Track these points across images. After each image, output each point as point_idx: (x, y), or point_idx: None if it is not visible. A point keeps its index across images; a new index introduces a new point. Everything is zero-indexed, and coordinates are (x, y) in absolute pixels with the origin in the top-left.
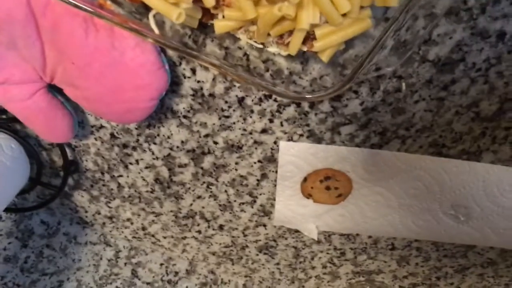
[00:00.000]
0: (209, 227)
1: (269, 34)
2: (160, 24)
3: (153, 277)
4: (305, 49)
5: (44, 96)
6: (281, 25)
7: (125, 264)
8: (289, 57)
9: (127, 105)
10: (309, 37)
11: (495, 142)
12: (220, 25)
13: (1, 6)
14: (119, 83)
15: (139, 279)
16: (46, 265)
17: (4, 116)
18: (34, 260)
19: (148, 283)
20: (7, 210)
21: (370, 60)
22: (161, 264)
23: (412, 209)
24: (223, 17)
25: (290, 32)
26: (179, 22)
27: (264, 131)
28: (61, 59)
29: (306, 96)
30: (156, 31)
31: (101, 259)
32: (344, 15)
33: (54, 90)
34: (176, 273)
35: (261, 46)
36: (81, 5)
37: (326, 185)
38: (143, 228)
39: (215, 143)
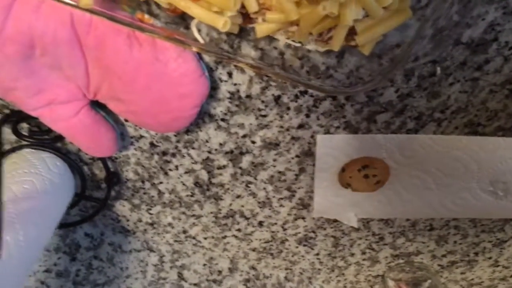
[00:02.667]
0: (248, 224)
1: (309, 33)
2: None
3: (199, 277)
4: (344, 43)
5: (88, 112)
6: (323, 23)
7: (171, 267)
8: (324, 52)
9: (172, 115)
10: (348, 31)
11: None
12: (262, 29)
13: (47, 28)
14: (164, 94)
15: (186, 281)
16: (96, 276)
17: (47, 137)
18: (85, 272)
19: (195, 284)
20: None
21: (410, 51)
22: (204, 265)
23: (450, 189)
24: (263, 20)
25: (329, 29)
26: (225, 30)
27: (301, 126)
28: (106, 76)
29: (348, 90)
30: (201, 40)
31: (147, 265)
32: (384, 7)
33: (95, 105)
34: (220, 272)
35: (299, 44)
36: (128, 22)
37: (364, 173)
38: (184, 231)
39: (253, 142)
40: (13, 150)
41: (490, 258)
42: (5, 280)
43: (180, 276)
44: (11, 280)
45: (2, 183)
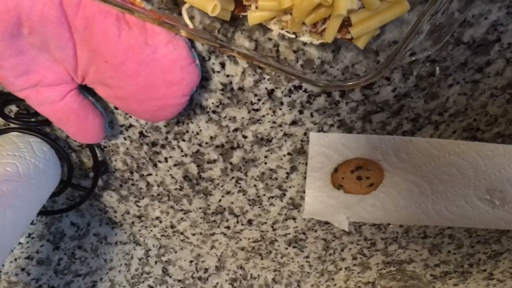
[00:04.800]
0: (238, 222)
1: (303, 23)
2: (190, 18)
3: (184, 274)
4: (339, 36)
5: (76, 97)
6: (316, 13)
7: (156, 262)
8: (320, 46)
9: (160, 102)
10: (343, 24)
11: None
12: (254, 16)
13: (35, 7)
14: (152, 80)
15: (170, 277)
16: (79, 266)
17: (34, 120)
18: (67, 261)
19: (179, 281)
20: (38, 213)
21: (406, 46)
22: (191, 261)
23: (446, 195)
24: (256, 8)
25: (324, 20)
26: (214, 14)
27: (294, 123)
28: (94, 59)
29: (342, 84)
30: (190, 25)
31: (132, 258)
32: None
33: (84, 90)
34: (206, 269)
35: (293, 35)
36: (117, 3)
37: (358, 175)
38: (172, 226)
39: (244, 137)
40: (0, 132)
41: (484, 270)
42: None
43: (165, 272)
44: None
45: None
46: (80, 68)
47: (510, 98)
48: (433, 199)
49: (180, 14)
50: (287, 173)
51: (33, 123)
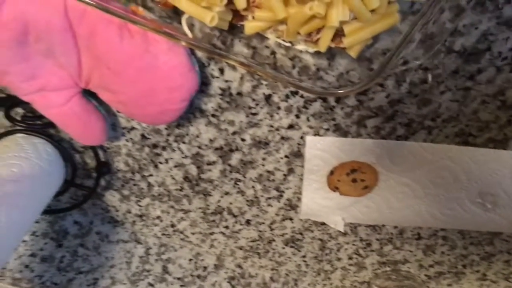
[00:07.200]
0: (236, 222)
1: (298, 33)
2: (190, 27)
3: (183, 272)
4: (333, 45)
5: (80, 101)
6: (310, 24)
7: (156, 260)
8: (315, 53)
9: (161, 107)
10: (337, 33)
11: None
12: (250, 26)
13: (41, 16)
14: (153, 86)
15: (170, 275)
16: (81, 263)
17: (39, 122)
18: (69, 259)
19: (178, 279)
20: (42, 212)
21: (398, 54)
22: (190, 260)
23: (439, 198)
24: (253, 18)
25: (318, 30)
26: (212, 25)
27: (290, 126)
28: (97, 65)
29: (335, 92)
30: (190, 34)
31: (132, 256)
32: (372, 10)
33: (88, 94)
34: (205, 268)
35: (289, 44)
36: (118, 13)
37: (353, 177)
38: (172, 225)
39: (243, 140)
40: (7, 134)
41: (478, 271)
42: None
43: (165, 270)
44: None
45: None
46: (84, 73)
47: (501, 104)
48: (427, 202)
49: (180, 23)
50: (284, 175)
51: (38, 125)
